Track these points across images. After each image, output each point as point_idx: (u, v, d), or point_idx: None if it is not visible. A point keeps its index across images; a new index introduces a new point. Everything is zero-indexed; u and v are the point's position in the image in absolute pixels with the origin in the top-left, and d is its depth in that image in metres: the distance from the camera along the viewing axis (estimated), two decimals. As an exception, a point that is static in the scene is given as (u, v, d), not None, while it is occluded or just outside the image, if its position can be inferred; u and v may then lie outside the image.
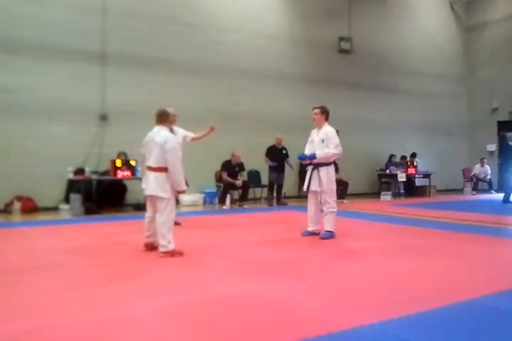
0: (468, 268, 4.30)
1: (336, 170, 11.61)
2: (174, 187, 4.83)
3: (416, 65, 14.81)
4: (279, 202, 10.57)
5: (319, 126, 5.99)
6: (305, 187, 6.06)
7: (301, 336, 2.59)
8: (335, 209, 5.86)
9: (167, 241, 4.71)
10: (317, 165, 5.89)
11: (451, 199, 12.31)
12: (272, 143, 10.56)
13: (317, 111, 5.96)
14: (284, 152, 10.53)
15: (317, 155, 5.80)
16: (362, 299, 3.28)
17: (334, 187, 5.91)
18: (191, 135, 7.03)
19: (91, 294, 3.41)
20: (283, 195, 10.97)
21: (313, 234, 6.00)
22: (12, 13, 9.00)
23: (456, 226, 7.03)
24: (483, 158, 14.41)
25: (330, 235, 5.80)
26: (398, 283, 3.72)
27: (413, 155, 13.51)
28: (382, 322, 2.77)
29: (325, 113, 5.97)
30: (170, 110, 5.51)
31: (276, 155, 10.45)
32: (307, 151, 6.09)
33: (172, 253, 4.71)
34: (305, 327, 2.72)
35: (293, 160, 10.28)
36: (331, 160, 5.93)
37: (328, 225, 5.84)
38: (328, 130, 5.92)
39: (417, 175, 13.53)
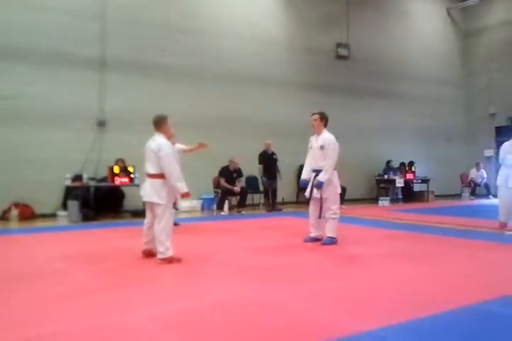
0: (467, 274, 4.29)
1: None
2: (176, 192, 4.82)
3: (413, 70, 14.87)
4: (274, 208, 10.54)
5: (318, 133, 5.97)
6: (307, 194, 6.02)
7: (299, 343, 2.58)
8: (337, 216, 5.84)
9: (165, 247, 4.68)
10: (320, 172, 5.85)
11: (449, 205, 12.31)
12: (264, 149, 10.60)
13: (316, 117, 5.94)
14: (275, 157, 10.53)
15: (322, 180, 5.75)
16: (362, 305, 3.27)
17: (337, 193, 5.90)
18: (182, 147, 6.98)
19: (89, 301, 3.39)
20: (282, 200, 10.96)
21: (315, 239, 5.98)
22: (11, 21, 9.01)
23: (454, 232, 7.02)
24: (479, 162, 14.47)
25: (331, 241, 5.79)
26: (398, 289, 3.70)
27: (411, 164, 13.51)
28: (381, 329, 2.76)
29: (324, 119, 5.95)
30: None
31: (268, 160, 10.47)
32: (309, 158, 6.09)
33: (170, 260, 4.69)
34: (304, 334, 2.70)
35: (284, 166, 10.40)
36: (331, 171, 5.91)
37: (329, 231, 5.82)
38: (326, 137, 5.88)
39: (415, 181, 13.54)
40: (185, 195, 4.88)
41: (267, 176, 10.47)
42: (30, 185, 8.88)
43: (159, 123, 4.94)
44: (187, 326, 2.87)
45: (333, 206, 5.82)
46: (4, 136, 8.86)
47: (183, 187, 4.78)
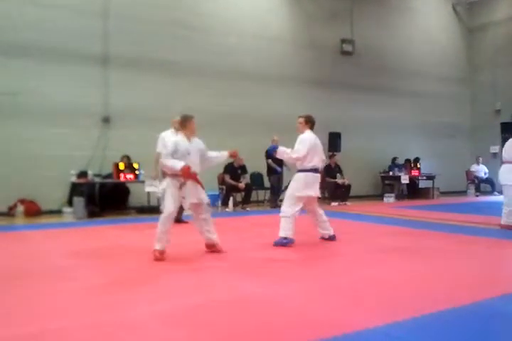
0: (473, 271, 4.28)
1: (340, 172, 11.67)
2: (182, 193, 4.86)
3: (418, 66, 14.80)
4: (276, 204, 10.50)
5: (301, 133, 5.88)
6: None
7: (304, 339, 2.58)
8: (286, 214, 5.53)
9: (156, 239, 4.77)
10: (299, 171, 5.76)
11: (454, 201, 12.28)
12: (270, 144, 10.55)
13: (301, 120, 5.88)
14: None
15: (279, 149, 5.76)
16: (366, 302, 3.27)
17: (294, 194, 5.58)
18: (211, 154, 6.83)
19: (93, 297, 3.41)
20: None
21: (327, 239, 5.81)
22: (14, 16, 9.03)
23: (459, 228, 7.01)
24: (479, 157, 14.51)
25: (279, 241, 5.47)
26: (403, 286, 3.71)
27: (416, 160, 13.50)
28: (386, 325, 2.76)
29: (309, 122, 5.85)
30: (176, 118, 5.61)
31: (274, 157, 10.41)
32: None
33: (153, 253, 4.75)
34: (308, 330, 2.71)
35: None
36: (287, 159, 5.83)
37: (280, 231, 5.50)
38: (299, 137, 5.77)
39: (420, 177, 13.51)
40: (184, 171, 4.70)
41: (275, 173, 10.45)
42: (35, 182, 8.92)
43: (183, 123, 5.09)
44: (190, 322, 2.88)
45: (285, 204, 5.63)
46: (10, 132, 8.89)
47: (176, 164, 4.73)
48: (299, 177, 5.67)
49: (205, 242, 5.14)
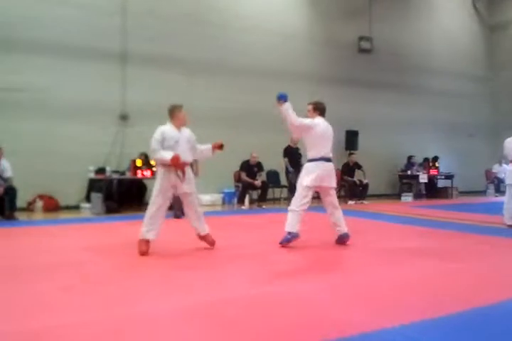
0: (490, 272, 4.20)
1: (359, 168, 11.58)
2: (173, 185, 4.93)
3: (437, 64, 14.62)
4: None
5: None
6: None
7: (320, 338, 2.56)
8: (295, 208, 5.29)
9: (143, 229, 4.83)
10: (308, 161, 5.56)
11: (473, 201, 12.11)
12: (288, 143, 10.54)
13: (310, 107, 5.76)
14: (299, 152, 10.45)
15: (287, 103, 5.48)
16: (383, 302, 3.23)
17: (301, 185, 5.33)
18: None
19: (108, 293, 3.42)
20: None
21: (342, 237, 5.47)
22: (33, 14, 9.13)
23: (477, 228, 6.90)
24: (502, 158, 14.25)
25: (285, 239, 5.25)
26: (420, 286, 3.66)
27: (435, 159, 13.34)
28: (403, 326, 2.73)
29: (317, 110, 5.72)
30: None
31: (293, 155, 10.41)
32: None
33: (139, 243, 4.81)
34: (325, 329, 2.69)
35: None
36: (287, 118, 5.52)
37: (286, 225, 5.30)
38: None
39: (438, 177, 13.36)
40: (174, 160, 4.75)
41: (292, 171, 10.42)
42: (54, 177, 9.01)
43: (171, 113, 5.09)
44: (205, 319, 2.86)
45: (294, 197, 5.41)
46: (28, 129, 8.99)
47: (165, 155, 4.79)
48: (308, 166, 5.41)
49: (196, 233, 5.17)
